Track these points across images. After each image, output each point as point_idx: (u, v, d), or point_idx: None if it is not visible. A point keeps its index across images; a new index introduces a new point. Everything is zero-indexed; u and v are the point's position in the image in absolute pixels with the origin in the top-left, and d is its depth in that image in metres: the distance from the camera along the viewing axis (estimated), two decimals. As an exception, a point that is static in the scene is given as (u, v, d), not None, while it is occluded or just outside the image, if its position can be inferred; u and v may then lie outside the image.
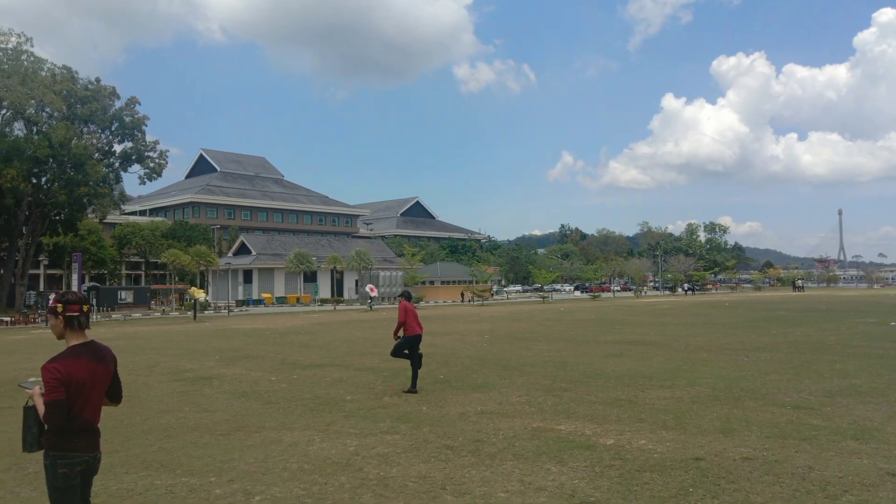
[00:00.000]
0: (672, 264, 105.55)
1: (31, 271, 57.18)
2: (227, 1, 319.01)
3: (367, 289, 50.84)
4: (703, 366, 13.50)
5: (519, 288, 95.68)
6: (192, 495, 5.78)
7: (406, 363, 11.39)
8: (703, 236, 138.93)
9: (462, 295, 64.87)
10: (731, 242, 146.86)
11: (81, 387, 3.67)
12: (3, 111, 44.84)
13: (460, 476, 6.18)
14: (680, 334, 21.26)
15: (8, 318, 38.19)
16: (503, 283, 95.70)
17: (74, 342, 3.79)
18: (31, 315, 40.98)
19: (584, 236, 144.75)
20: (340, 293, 67.06)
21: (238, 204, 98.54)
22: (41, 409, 3.62)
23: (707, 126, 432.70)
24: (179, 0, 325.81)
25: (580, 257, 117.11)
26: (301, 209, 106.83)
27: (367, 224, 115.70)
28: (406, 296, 11.64)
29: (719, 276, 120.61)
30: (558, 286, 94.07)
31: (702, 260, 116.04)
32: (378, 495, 5.66)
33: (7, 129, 45.87)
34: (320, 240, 79.18)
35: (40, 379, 3.81)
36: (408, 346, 11.06)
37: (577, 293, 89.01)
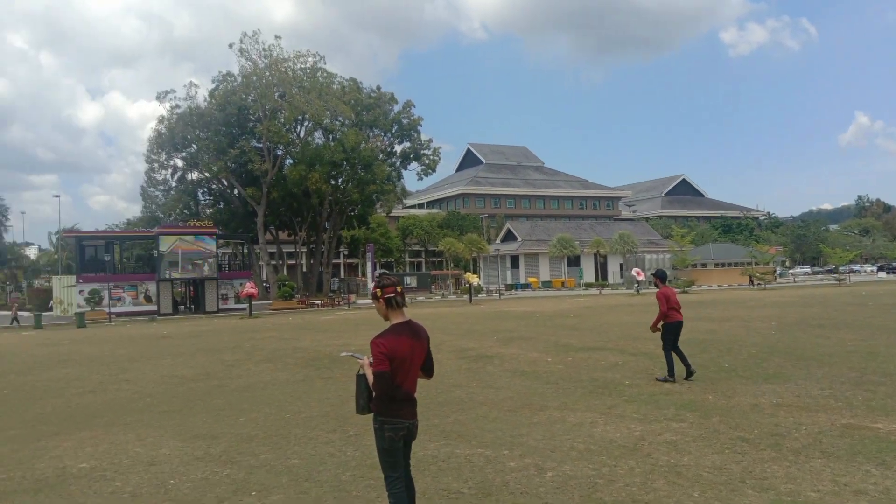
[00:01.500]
0: None
1: (334, 261, 65.79)
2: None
3: (634, 272, 49.53)
4: None
5: (807, 269, 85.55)
6: (489, 466, 6.21)
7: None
8: None
9: (750, 279, 59.78)
10: None
11: (402, 361, 4.15)
12: (306, 123, 52.06)
13: (760, 470, 5.77)
14: None
15: (319, 302, 44.46)
16: (787, 264, 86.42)
17: (396, 321, 4.29)
18: (337, 299, 47.20)
19: (887, 208, 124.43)
20: (605, 277, 66.27)
21: (503, 193, 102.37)
22: (370, 378, 4.18)
23: None
24: (444, 4, 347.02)
25: (884, 233, 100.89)
26: (562, 195, 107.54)
27: (630, 206, 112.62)
28: (661, 276, 10.92)
29: None
30: (857, 267, 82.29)
31: None
32: (671, 483, 5.53)
33: (309, 139, 53.24)
34: (582, 224, 79.00)
35: (348, 354, 4.39)
36: (674, 336, 10.49)
37: (882, 274, 76.90)
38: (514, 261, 69.88)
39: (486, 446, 6.90)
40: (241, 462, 6.72)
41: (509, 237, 73.63)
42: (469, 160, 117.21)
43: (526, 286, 63.49)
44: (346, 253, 71.70)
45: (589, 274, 65.67)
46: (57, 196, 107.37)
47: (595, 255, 65.92)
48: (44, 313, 38.09)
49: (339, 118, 51.96)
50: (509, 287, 63.35)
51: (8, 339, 26.03)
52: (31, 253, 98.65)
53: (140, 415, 9.40)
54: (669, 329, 10.43)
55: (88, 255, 43.88)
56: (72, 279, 42.94)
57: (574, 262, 66.80)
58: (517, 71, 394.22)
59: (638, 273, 48.86)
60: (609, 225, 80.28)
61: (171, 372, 13.73)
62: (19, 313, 37.21)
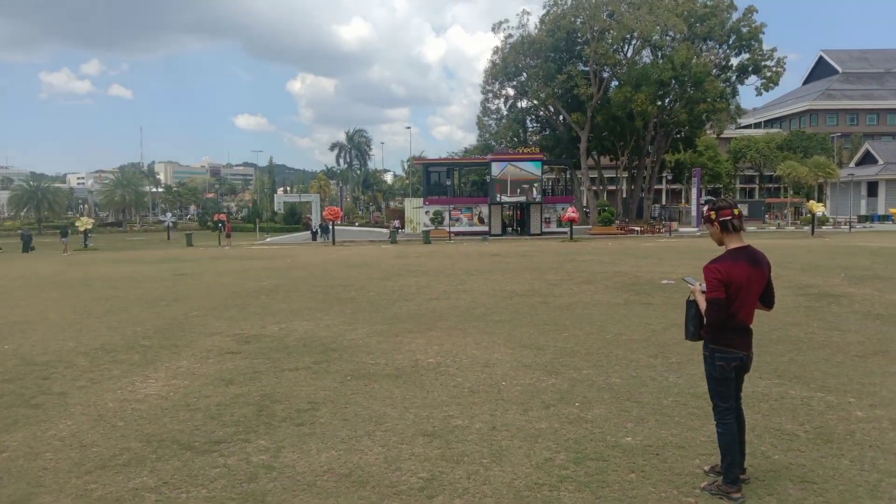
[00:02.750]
0: None
1: (656, 186, 63.68)
2: None
3: None
4: None
5: None
6: (830, 412, 5.65)
7: None
8: None
9: None
10: None
11: (739, 288, 3.95)
12: (635, 42, 50.12)
13: None
14: None
15: (638, 228, 43.81)
16: None
17: (732, 246, 4.08)
18: (657, 226, 45.98)
19: None
20: None
21: (862, 107, 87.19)
22: (702, 304, 4.06)
23: None
24: None
25: None
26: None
27: None
28: None
29: None
30: None
31: None
32: None
33: (637, 58, 51.26)
34: (976, 143, 63.88)
35: (670, 282, 4.26)
36: None
37: None
38: (872, 188, 59.76)
39: (826, 391, 6.27)
40: (564, 374, 7.13)
41: (867, 160, 62.93)
42: (821, 70, 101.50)
43: (886, 218, 54.11)
44: (669, 178, 68.76)
45: (979, 205, 53.30)
46: (408, 127, 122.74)
47: None
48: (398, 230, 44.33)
49: (670, 33, 48.96)
50: (863, 219, 54.68)
51: (370, 251, 30.82)
52: (388, 178, 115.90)
53: (476, 322, 10.48)
54: None
55: (433, 180, 49.21)
56: (419, 201, 48.79)
57: (958, 190, 54.75)
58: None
59: None
60: None
61: (501, 287, 14.94)
62: (375, 229, 43.96)
